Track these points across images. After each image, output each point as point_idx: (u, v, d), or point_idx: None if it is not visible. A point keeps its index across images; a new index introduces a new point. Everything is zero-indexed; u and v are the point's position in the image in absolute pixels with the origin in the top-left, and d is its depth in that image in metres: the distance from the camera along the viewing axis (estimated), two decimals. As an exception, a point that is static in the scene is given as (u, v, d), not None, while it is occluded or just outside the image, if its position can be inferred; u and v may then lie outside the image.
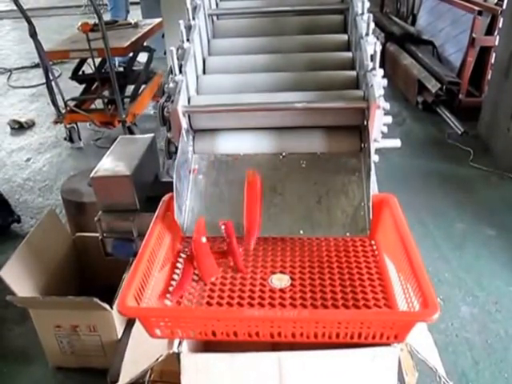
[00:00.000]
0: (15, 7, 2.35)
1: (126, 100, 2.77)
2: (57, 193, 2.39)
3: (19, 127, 3.25)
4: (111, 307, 1.26)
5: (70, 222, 1.81)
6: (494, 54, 2.72)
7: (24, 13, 2.34)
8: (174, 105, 0.91)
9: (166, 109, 0.95)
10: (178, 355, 0.67)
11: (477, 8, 2.84)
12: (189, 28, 1.10)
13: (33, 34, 2.37)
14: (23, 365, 1.48)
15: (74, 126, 2.84)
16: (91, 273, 1.56)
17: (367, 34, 1.03)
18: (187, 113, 0.95)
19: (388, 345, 0.63)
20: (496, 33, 2.77)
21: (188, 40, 1.05)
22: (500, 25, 2.65)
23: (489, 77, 2.82)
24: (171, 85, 0.96)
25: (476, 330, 1.53)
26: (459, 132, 2.79)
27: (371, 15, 1.05)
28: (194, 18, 1.13)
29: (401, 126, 2.99)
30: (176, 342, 0.68)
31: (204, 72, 1.15)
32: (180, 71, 0.97)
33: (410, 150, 2.62)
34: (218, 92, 1.05)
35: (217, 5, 1.36)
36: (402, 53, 3.59)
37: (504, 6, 2.58)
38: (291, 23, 1.26)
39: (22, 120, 3.28)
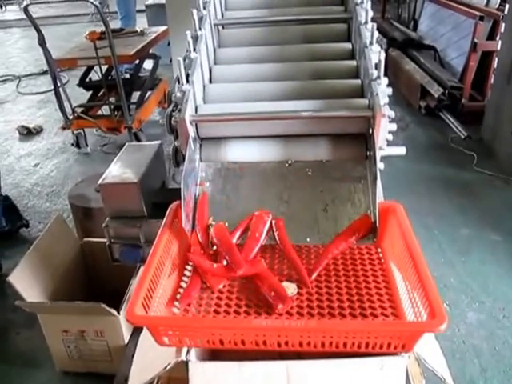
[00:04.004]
0: (25, 16, 2.41)
1: (132, 106, 2.81)
2: (64, 198, 2.42)
3: (27, 133, 3.30)
4: (118, 312, 1.27)
5: (77, 226, 1.83)
6: (496, 59, 2.73)
7: (34, 22, 2.39)
8: (181, 114, 0.92)
9: (173, 118, 0.97)
10: (186, 363, 0.68)
11: (478, 13, 2.85)
12: (195, 38, 1.11)
13: (42, 43, 2.42)
14: (30, 369, 1.50)
15: (81, 131, 2.88)
16: (98, 278, 1.58)
17: (371, 43, 1.04)
18: (194, 122, 0.97)
19: (396, 354, 0.64)
20: (498, 38, 2.78)
21: (195, 50, 1.07)
22: (502, 30, 2.66)
23: (491, 81, 2.82)
24: (178, 94, 0.97)
25: (483, 336, 1.52)
26: (462, 136, 2.79)
27: (375, 24, 1.06)
28: (200, 29, 1.15)
29: (404, 130, 2.99)
30: (184, 350, 0.69)
31: (210, 81, 1.17)
32: (187, 81, 0.98)
33: (414, 154, 2.62)
34: (225, 101, 1.06)
35: (222, 15, 1.38)
36: (404, 58, 3.60)
37: (506, 12, 2.59)
38: (296, 32, 1.28)
39: (31, 126, 3.33)
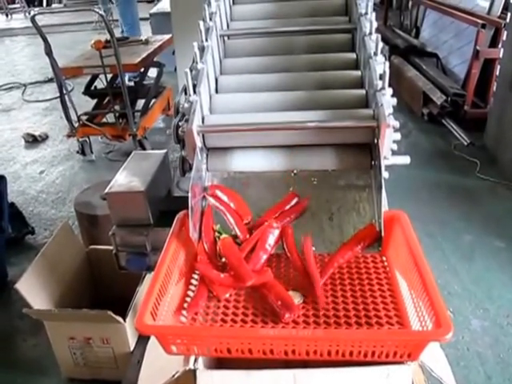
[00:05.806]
0: (30, 24, 2.45)
1: (137, 114, 2.84)
2: (69, 205, 2.44)
3: (33, 140, 3.33)
4: (124, 320, 1.28)
5: (82, 234, 1.84)
6: (498, 66, 2.75)
7: (40, 31, 2.43)
8: (188, 125, 0.94)
9: (180, 128, 0.98)
10: (193, 372, 0.69)
11: (480, 21, 2.88)
12: (202, 49, 1.13)
13: (48, 52, 2.46)
14: (37, 375, 1.51)
15: (86, 139, 2.91)
16: (104, 285, 1.59)
17: (376, 54, 1.05)
18: (201, 132, 0.98)
19: (401, 362, 0.65)
20: (500, 45, 2.80)
21: (201, 61, 1.09)
22: (504, 37, 2.68)
23: (494, 88, 2.84)
24: (186, 105, 0.99)
25: (488, 343, 1.52)
26: (465, 143, 2.80)
27: (379, 35, 1.08)
28: (206, 40, 1.17)
29: (407, 137, 3.01)
30: (192, 358, 0.70)
31: (216, 91, 1.19)
32: (194, 91, 1.00)
33: (417, 161, 2.62)
34: (231, 111, 1.08)
35: (228, 25, 1.41)
36: (407, 65, 3.63)
37: (508, 20, 2.62)
38: (300, 42, 1.30)
39: (36, 133, 3.36)
